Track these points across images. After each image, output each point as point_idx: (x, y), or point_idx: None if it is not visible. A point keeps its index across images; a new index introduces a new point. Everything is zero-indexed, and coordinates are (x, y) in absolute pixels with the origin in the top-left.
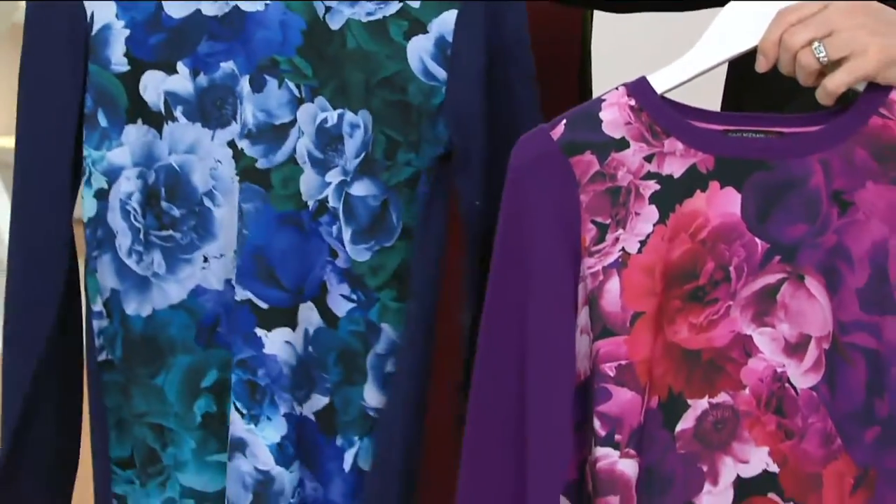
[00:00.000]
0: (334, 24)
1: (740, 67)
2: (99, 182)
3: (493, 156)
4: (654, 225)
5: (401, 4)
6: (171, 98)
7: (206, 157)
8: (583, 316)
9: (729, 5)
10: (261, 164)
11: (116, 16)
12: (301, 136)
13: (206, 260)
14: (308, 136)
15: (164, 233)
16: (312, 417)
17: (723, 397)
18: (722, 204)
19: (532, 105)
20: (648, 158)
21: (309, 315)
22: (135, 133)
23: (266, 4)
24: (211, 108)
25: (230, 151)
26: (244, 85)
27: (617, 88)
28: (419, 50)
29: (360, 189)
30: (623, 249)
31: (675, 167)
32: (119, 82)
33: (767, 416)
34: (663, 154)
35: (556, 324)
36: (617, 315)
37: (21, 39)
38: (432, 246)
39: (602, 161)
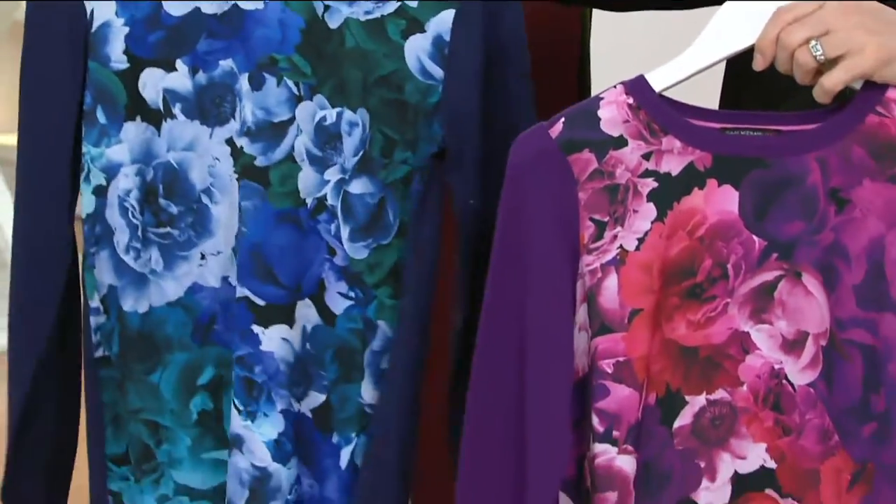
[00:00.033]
0: (333, 22)
1: (738, 66)
2: (97, 179)
3: (488, 155)
4: (652, 222)
5: (399, 4)
6: (170, 95)
7: (205, 154)
8: (581, 313)
9: (726, 4)
10: (259, 161)
11: (116, 13)
12: (300, 133)
13: (203, 257)
14: (307, 134)
15: (161, 230)
16: (309, 414)
17: (720, 394)
18: (720, 201)
19: (528, 105)
20: (646, 156)
21: (307, 312)
22: (133, 130)
23: (265, 3)
24: (210, 105)
25: (228, 149)
26: (243, 83)
27: (615, 87)
28: (416, 49)
29: (358, 187)
30: (621, 247)
31: (673, 165)
32: (118, 80)
33: (765, 412)
34: (661, 152)
35: (555, 321)
36: (615, 312)
37: (22, 37)
38: (426, 244)
39: (600, 159)
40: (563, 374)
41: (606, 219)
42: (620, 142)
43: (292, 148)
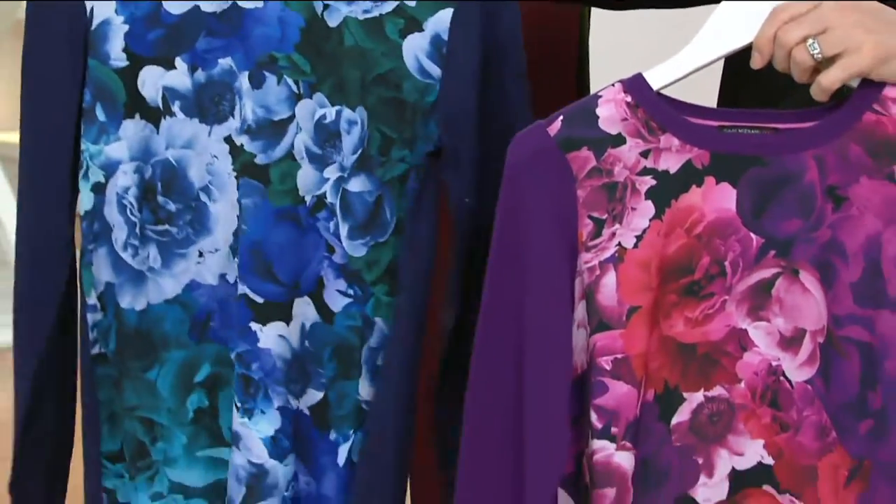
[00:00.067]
0: (332, 21)
1: (736, 64)
2: (96, 176)
3: (483, 154)
4: (650, 220)
5: (397, 3)
6: (169, 93)
7: (203, 152)
8: (579, 310)
9: (724, 3)
10: (259, 159)
11: (116, 11)
12: (299, 131)
13: (201, 255)
14: (306, 132)
15: (160, 227)
16: (307, 412)
17: (718, 391)
18: (717, 199)
19: (524, 105)
20: (644, 154)
21: (305, 310)
22: (132, 128)
23: (264, 2)
24: (208, 103)
25: (227, 147)
26: (243, 81)
27: (613, 85)
28: (414, 48)
29: (356, 185)
30: (619, 244)
31: (670, 163)
32: (117, 77)
33: (762, 408)
34: (659, 150)
35: (553, 318)
36: (613, 309)
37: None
38: (422, 241)
39: (598, 157)
40: (561, 371)
41: (605, 216)
42: (619, 140)
43: (292, 146)
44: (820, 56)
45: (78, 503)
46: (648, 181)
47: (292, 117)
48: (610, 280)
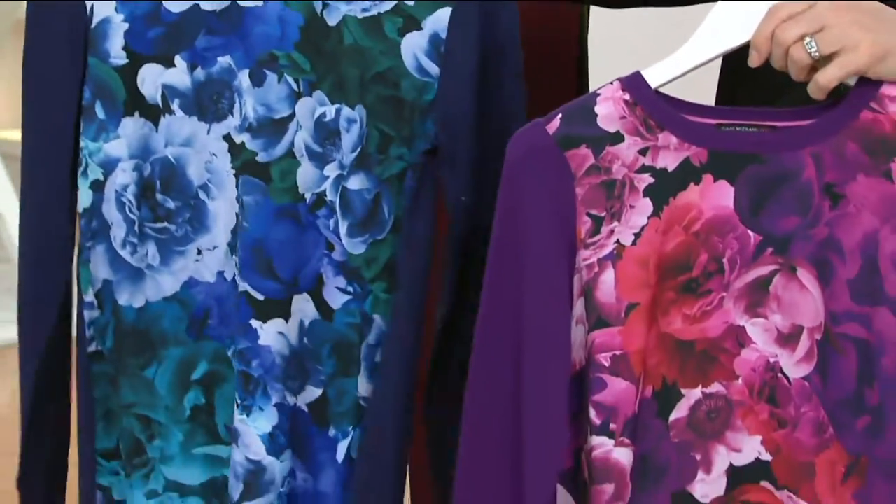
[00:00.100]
0: (331, 20)
1: (734, 62)
2: (95, 173)
3: (479, 153)
4: (649, 217)
5: (396, 2)
6: (169, 91)
7: (202, 150)
8: (578, 307)
9: (722, 1)
10: (261, 157)
11: (115, 10)
12: (299, 129)
13: (199, 252)
14: (306, 130)
15: (158, 225)
16: (305, 409)
17: (716, 387)
18: (715, 197)
19: (520, 106)
20: (643, 152)
21: (304, 307)
22: (132, 125)
23: (264, 0)
24: (208, 102)
25: (226, 145)
26: (243, 79)
27: (612, 83)
28: (413, 46)
29: (355, 183)
30: (618, 241)
31: (669, 160)
32: (117, 75)
33: (760, 405)
34: (657, 148)
35: (552, 315)
36: (612, 306)
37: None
38: (420, 239)
39: (597, 154)
40: (560, 368)
41: (603, 214)
42: (617, 137)
43: (292, 144)
44: (817, 54)
45: (73, 500)
46: (647, 179)
47: (292, 115)
48: (608, 277)
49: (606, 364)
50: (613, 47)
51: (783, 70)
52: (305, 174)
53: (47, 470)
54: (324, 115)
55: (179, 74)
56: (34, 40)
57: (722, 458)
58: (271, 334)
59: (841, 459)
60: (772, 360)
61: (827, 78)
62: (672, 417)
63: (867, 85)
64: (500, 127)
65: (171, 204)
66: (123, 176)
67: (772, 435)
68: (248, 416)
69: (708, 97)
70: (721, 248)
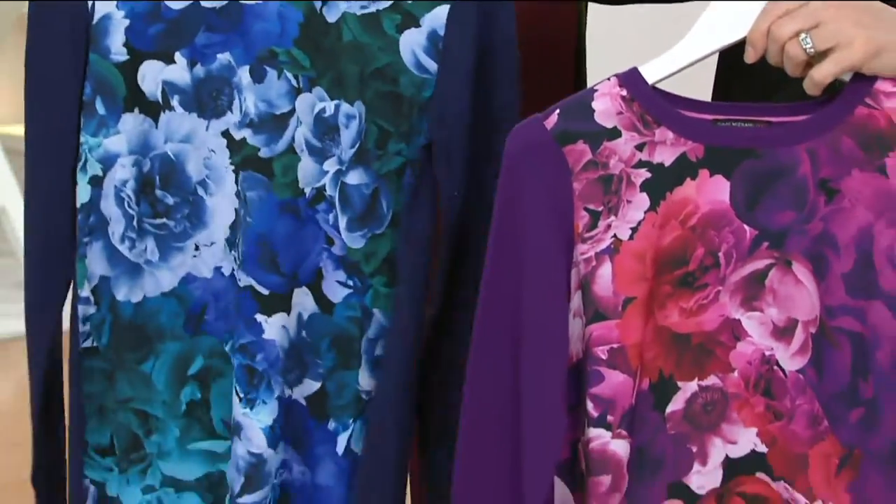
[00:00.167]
0: (331, 16)
1: (730, 58)
2: (94, 169)
3: (472, 152)
4: (646, 212)
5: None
6: (169, 88)
7: (201, 146)
8: (576, 300)
9: None
10: (263, 153)
11: (116, 7)
12: (299, 125)
13: (196, 248)
14: (306, 126)
15: (157, 221)
16: (303, 402)
17: (712, 380)
18: (711, 191)
19: (514, 105)
20: (640, 147)
21: (303, 300)
22: (132, 121)
23: None
24: (207, 98)
25: (224, 141)
26: (242, 76)
27: (609, 79)
28: (412, 43)
29: (354, 178)
30: (615, 236)
31: (665, 156)
32: (118, 71)
33: (756, 397)
34: (654, 143)
35: (550, 308)
36: (609, 300)
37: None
38: (420, 234)
39: (594, 150)
40: (557, 361)
41: (600, 208)
42: (614, 133)
43: (293, 139)
44: (812, 50)
45: None
46: (643, 174)
47: (293, 111)
48: (606, 271)
49: (604, 357)
50: (611, 44)
51: (779, 66)
52: (305, 169)
53: (55, 465)
54: (323, 110)
55: (179, 71)
56: (36, 36)
57: (718, 450)
58: (275, 328)
59: (835, 452)
60: (767, 353)
61: (822, 74)
62: (668, 410)
63: (862, 81)
64: (494, 125)
65: (170, 200)
66: (123, 171)
67: (767, 427)
68: (251, 409)
69: (704, 93)
70: (717, 243)
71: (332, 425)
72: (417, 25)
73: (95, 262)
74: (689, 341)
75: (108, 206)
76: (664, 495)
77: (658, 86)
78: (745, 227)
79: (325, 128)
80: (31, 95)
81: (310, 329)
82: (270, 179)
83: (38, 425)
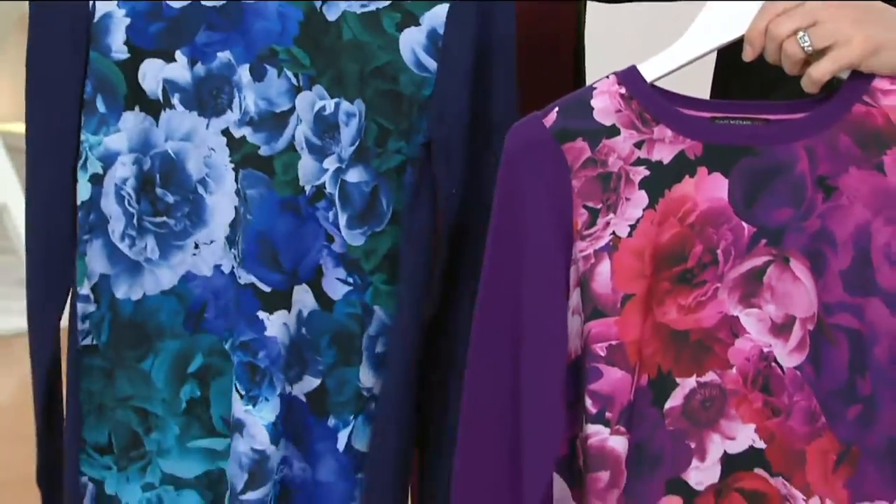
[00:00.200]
0: (331, 15)
1: (728, 56)
2: (94, 167)
3: (471, 149)
4: (644, 209)
5: None
6: (170, 86)
7: (201, 145)
8: (574, 297)
9: None
10: (263, 151)
11: (117, 5)
12: (300, 123)
13: (196, 246)
14: (306, 124)
15: (158, 219)
16: (303, 398)
17: (710, 376)
18: (710, 189)
19: (511, 104)
20: (638, 145)
21: (303, 297)
22: (132, 120)
23: None
24: (207, 97)
25: (224, 139)
26: (242, 74)
27: (608, 77)
28: (411, 42)
29: (354, 176)
30: (614, 233)
31: (664, 153)
32: (118, 70)
33: (754, 393)
34: (653, 141)
35: (549, 305)
36: (608, 297)
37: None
38: (420, 232)
39: (593, 147)
40: (556, 358)
41: (599, 206)
42: (613, 131)
43: (293, 137)
44: (810, 48)
45: None
46: (642, 171)
47: (293, 109)
48: (604, 268)
49: (602, 354)
50: (610, 42)
51: (777, 64)
52: (306, 167)
53: (60, 463)
54: (323, 108)
55: (180, 69)
56: (37, 35)
57: (716, 446)
58: (277, 325)
59: (833, 448)
60: (765, 349)
61: (820, 72)
62: (667, 406)
63: (859, 79)
64: (492, 123)
65: (170, 198)
66: (123, 169)
67: (765, 423)
68: (253, 406)
69: (702, 91)
70: (715, 240)
71: (332, 422)
72: (417, 24)
73: (95, 260)
74: (687, 338)
75: (109, 204)
76: (662, 491)
77: (657, 84)
78: (744, 224)
79: (325, 126)
80: (32, 93)
81: (310, 326)
82: (271, 177)
83: (41, 424)
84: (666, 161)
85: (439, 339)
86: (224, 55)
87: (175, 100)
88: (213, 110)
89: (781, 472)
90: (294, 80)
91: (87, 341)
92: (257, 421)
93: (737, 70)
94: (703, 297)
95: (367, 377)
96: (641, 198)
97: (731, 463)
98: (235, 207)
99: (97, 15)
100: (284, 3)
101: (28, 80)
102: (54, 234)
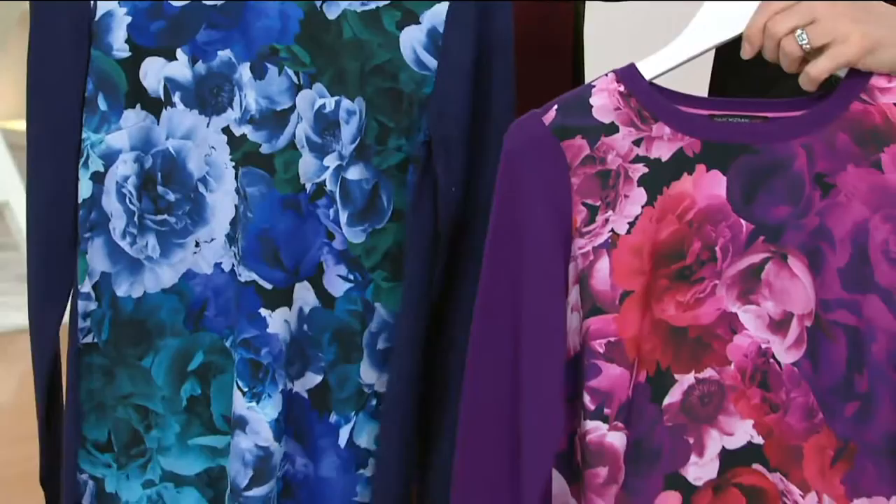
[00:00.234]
0: (331, 13)
1: (726, 54)
2: (96, 165)
3: (472, 147)
4: (643, 207)
5: None
6: (171, 84)
7: (202, 143)
8: (573, 294)
9: None
10: (264, 149)
11: (119, 3)
12: (300, 121)
13: (197, 245)
14: (307, 122)
15: (159, 217)
16: (305, 395)
17: (709, 372)
18: (708, 186)
19: (509, 104)
20: (637, 142)
21: (305, 295)
22: (133, 118)
23: None
24: (207, 95)
25: (224, 138)
26: (243, 72)
27: (606, 75)
28: (411, 40)
29: (355, 173)
30: (613, 230)
31: (662, 151)
32: (120, 68)
33: (752, 389)
34: (651, 138)
35: (548, 302)
36: (606, 293)
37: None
38: (423, 230)
39: (592, 145)
40: (555, 354)
41: (598, 203)
42: (612, 128)
43: (294, 135)
44: (808, 46)
45: None
46: (641, 169)
47: (293, 107)
48: (603, 265)
49: (601, 350)
50: (608, 40)
51: (775, 62)
52: (306, 164)
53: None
54: (324, 106)
55: (181, 68)
56: (39, 33)
57: (715, 442)
58: (279, 322)
59: (830, 444)
60: (764, 345)
61: (818, 70)
62: (666, 402)
63: (857, 76)
64: (490, 122)
65: (171, 196)
66: (124, 167)
67: (764, 419)
68: (257, 403)
69: (701, 89)
70: (714, 237)
71: (334, 418)
72: (417, 22)
73: (96, 258)
74: (686, 334)
75: (110, 202)
76: (661, 487)
77: (655, 81)
78: (742, 221)
79: (326, 124)
80: (33, 92)
81: (311, 323)
82: (272, 175)
83: (42, 424)
84: (665, 158)
85: (439, 335)
86: (225, 53)
87: (176, 98)
88: (213, 108)
89: (779, 467)
90: (295, 79)
91: (88, 339)
92: (261, 418)
93: (735, 68)
94: (701, 293)
95: (367, 374)
96: (640, 195)
97: (729, 458)
98: (235, 206)
99: (98, 13)
100: (285, 1)
101: (29, 77)
102: (55, 233)
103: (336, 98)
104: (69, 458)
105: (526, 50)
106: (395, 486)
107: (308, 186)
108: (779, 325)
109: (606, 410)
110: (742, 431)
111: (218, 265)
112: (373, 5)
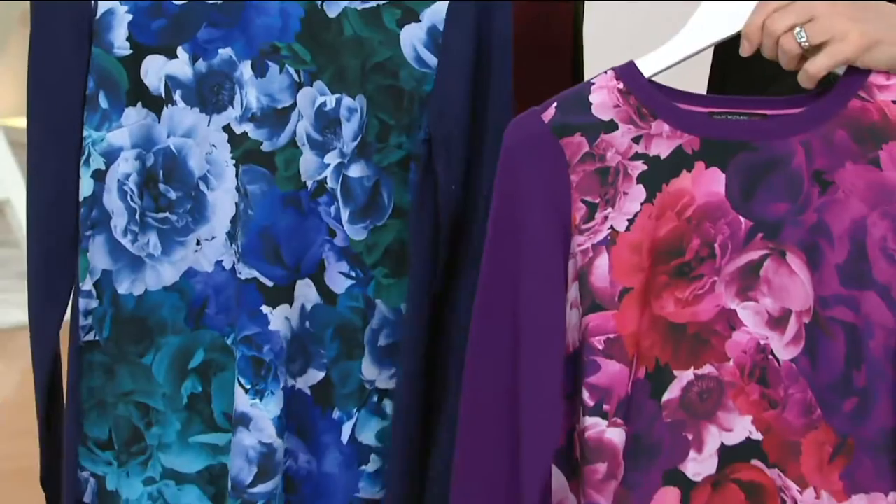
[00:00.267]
0: (332, 12)
1: (725, 52)
2: (97, 162)
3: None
4: (642, 204)
5: None
6: (171, 82)
7: (203, 141)
8: (573, 291)
9: None
10: (265, 146)
11: (119, 1)
12: (301, 119)
13: (198, 243)
14: (307, 119)
15: (160, 215)
16: (307, 391)
17: (708, 369)
18: (707, 183)
19: (507, 103)
20: (636, 140)
21: (306, 292)
22: (134, 116)
23: None
24: (208, 93)
25: (226, 136)
26: (244, 70)
27: (606, 72)
28: (412, 37)
29: (356, 171)
30: (612, 227)
31: (661, 148)
32: (121, 66)
33: (751, 385)
34: (650, 135)
35: (547, 299)
36: (606, 290)
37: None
38: (425, 227)
39: (591, 142)
40: (555, 351)
41: (597, 200)
42: (611, 126)
43: (294, 133)
44: (807, 44)
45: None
46: (640, 166)
47: (294, 105)
48: (602, 262)
49: (600, 347)
50: (607, 38)
51: (773, 59)
52: (307, 162)
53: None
54: (324, 104)
55: (182, 66)
56: (39, 30)
57: (713, 438)
58: (280, 319)
59: (828, 440)
60: (762, 342)
61: (816, 67)
62: (665, 398)
63: (856, 74)
64: (489, 120)
65: (172, 194)
66: (126, 165)
67: (762, 415)
68: (260, 400)
69: (699, 86)
70: (713, 234)
71: (336, 414)
72: (417, 20)
73: (98, 256)
74: (684, 331)
75: (111, 200)
76: (660, 482)
77: (654, 79)
78: (741, 218)
79: (327, 121)
80: (34, 89)
81: (313, 320)
82: (273, 173)
83: (43, 424)
84: (664, 156)
85: (439, 332)
86: (225, 52)
87: (177, 96)
88: (214, 106)
89: (777, 463)
90: (295, 76)
91: (89, 337)
92: (264, 414)
93: (734, 65)
94: (700, 290)
95: (369, 370)
96: (639, 192)
97: (728, 454)
98: (236, 203)
99: (99, 11)
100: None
101: (30, 75)
102: (56, 230)
103: (337, 96)
104: (70, 456)
105: (525, 49)
106: (405, 483)
107: (309, 184)
108: (777, 322)
109: (605, 407)
110: (741, 427)
111: (219, 263)
112: (373, 3)
